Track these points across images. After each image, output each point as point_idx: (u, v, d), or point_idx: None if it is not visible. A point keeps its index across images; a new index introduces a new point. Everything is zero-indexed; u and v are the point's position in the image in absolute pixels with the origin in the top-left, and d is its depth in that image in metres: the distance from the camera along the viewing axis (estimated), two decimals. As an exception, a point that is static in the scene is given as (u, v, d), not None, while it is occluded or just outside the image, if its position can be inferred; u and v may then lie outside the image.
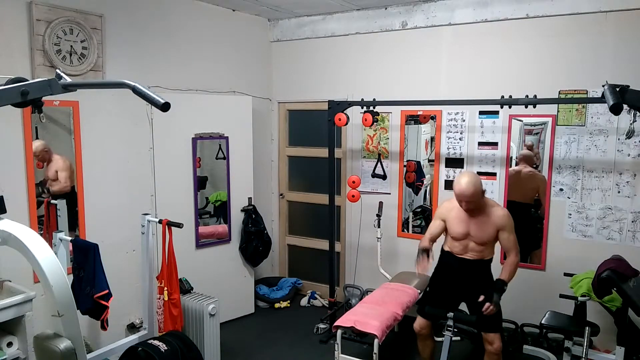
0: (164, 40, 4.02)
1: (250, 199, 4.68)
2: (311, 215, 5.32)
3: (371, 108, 4.15)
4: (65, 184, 3.46)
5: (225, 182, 4.50)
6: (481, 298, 3.05)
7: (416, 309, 3.47)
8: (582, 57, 3.72)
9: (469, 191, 3.02)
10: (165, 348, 3.11)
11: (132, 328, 3.82)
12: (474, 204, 3.10)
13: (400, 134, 4.56)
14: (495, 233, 3.16)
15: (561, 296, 3.51)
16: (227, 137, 4.44)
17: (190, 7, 4.25)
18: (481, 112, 4.14)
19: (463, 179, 3.06)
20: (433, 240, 3.31)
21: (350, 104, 4.19)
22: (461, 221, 3.21)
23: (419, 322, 3.34)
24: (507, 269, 3.13)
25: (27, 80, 1.82)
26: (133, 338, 3.47)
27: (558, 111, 3.84)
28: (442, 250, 3.40)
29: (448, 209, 3.28)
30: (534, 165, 4.05)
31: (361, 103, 4.16)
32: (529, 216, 4.07)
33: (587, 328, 3.28)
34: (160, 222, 3.39)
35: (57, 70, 1.92)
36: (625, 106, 2.38)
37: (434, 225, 3.35)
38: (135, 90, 1.71)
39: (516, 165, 4.11)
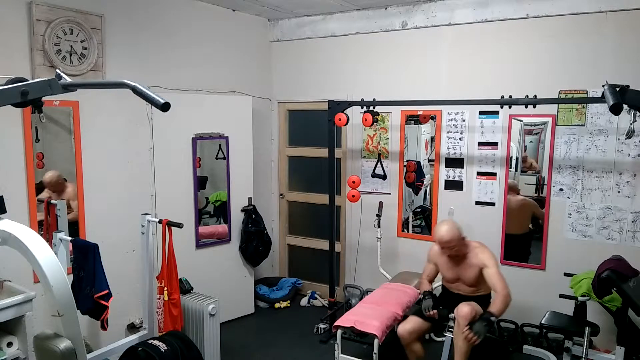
0: (164, 40, 4.02)
1: (250, 199, 4.68)
2: (311, 215, 5.32)
3: (371, 108, 4.15)
4: (77, 213, 3.51)
5: (225, 182, 4.50)
6: (467, 329, 3.05)
7: (412, 311, 3.49)
8: (582, 57, 3.72)
9: (446, 237, 3.21)
10: (165, 348, 3.10)
11: (132, 328, 3.82)
12: (454, 250, 3.26)
13: (400, 134, 4.55)
14: (480, 273, 3.26)
15: (561, 296, 3.51)
16: (227, 137, 4.44)
17: (190, 7, 4.25)
18: (481, 112, 4.14)
19: (442, 227, 3.25)
20: (431, 280, 3.56)
21: (350, 104, 4.19)
22: (450, 268, 3.40)
23: (412, 323, 3.33)
24: (496, 301, 3.13)
25: (27, 80, 1.82)
26: (133, 338, 3.47)
27: (558, 111, 3.84)
28: (442, 284, 3.58)
29: (438, 254, 3.45)
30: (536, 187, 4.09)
31: (361, 103, 4.16)
32: (526, 247, 4.10)
33: (587, 328, 3.28)
34: (160, 222, 3.39)
35: (57, 70, 1.92)
36: (625, 106, 2.38)
37: (429, 268, 3.56)
38: (135, 90, 1.71)
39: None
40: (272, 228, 5.34)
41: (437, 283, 4.16)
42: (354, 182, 4.29)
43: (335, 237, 4.56)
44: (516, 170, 4.12)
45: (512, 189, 4.11)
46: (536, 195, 4.07)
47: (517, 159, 4.12)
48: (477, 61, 4.11)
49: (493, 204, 4.14)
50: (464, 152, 4.25)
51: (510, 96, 3.48)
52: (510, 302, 3.13)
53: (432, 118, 4.41)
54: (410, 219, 4.71)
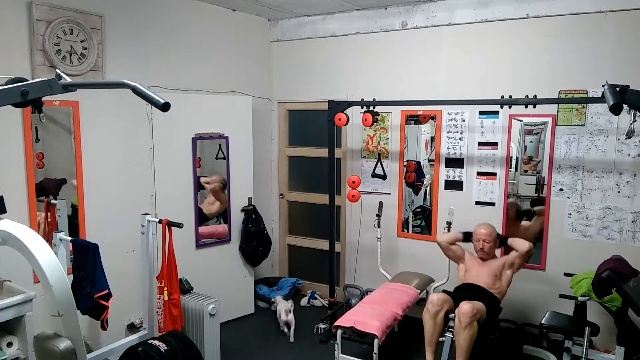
0: (164, 40, 4.02)
1: (250, 199, 4.68)
2: (311, 215, 5.32)
3: (371, 108, 4.15)
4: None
5: (225, 182, 4.49)
6: None
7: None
8: (582, 57, 3.72)
9: (486, 230, 3.63)
10: (165, 348, 3.11)
11: (132, 328, 3.82)
12: (489, 246, 3.60)
13: (400, 134, 4.55)
14: (502, 263, 3.58)
15: (561, 296, 3.51)
16: (227, 137, 4.44)
17: (190, 7, 4.25)
18: (481, 112, 4.14)
19: (482, 225, 3.69)
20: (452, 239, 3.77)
21: (350, 104, 4.19)
22: (475, 265, 3.67)
23: (442, 295, 3.43)
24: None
25: (27, 80, 1.82)
26: (133, 338, 3.47)
27: (558, 111, 3.84)
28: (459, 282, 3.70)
29: (469, 251, 3.76)
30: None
31: (361, 103, 4.16)
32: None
33: (587, 328, 3.28)
34: (160, 222, 3.39)
35: (57, 70, 1.92)
36: (625, 106, 2.39)
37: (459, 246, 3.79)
38: (135, 90, 1.71)
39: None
40: (272, 228, 5.34)
41: (438, 283, 4.17)
42: (354, 182, 4.29)
43: (335, 237, 4.56)
44: (516, 170, 4.12)
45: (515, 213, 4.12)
46: (536, 195, 4.06)
47: (517, 159, 4.12)
48: (477, 61, 4.11)
49: (493, 204, 4.14)
50: (464, 152, 4.25)
51: (510, 96, 3.48)
52: (530, 250, 3.47)
53: (432, 118, 4.40)
54: (410, 219, 4.71)
